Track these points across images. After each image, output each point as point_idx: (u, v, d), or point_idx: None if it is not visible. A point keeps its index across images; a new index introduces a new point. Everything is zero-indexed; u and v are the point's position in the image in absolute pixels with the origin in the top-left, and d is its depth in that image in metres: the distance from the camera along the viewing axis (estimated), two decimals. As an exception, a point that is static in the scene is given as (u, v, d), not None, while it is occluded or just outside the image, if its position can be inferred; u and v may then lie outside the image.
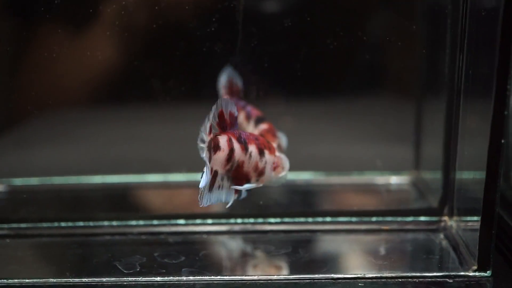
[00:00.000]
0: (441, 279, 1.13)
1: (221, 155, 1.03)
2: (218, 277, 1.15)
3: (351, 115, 1.47)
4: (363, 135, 1.48)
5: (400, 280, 1.14)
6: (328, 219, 1.34)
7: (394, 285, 1.13)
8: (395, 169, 1.50)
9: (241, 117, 1.27)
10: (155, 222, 1.35)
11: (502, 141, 1.07)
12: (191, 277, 1.15)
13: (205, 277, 1.15)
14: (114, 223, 1.35)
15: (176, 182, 1.51)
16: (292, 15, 1.35)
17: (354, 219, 1.34)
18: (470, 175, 1.21)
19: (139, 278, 1.15)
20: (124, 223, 1.35)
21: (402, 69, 1.43)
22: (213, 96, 1.39)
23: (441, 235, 1.29)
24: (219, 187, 1.06)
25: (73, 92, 1.45)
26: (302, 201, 1.45)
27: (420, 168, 1.48)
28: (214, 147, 1.03)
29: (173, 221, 1.35)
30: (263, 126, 1.25)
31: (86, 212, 1.42)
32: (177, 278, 1.15)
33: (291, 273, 1.18)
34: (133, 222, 1.35)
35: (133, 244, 1.30)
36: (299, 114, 1.45)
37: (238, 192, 1.08)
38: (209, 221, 1.35)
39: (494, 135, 1.07)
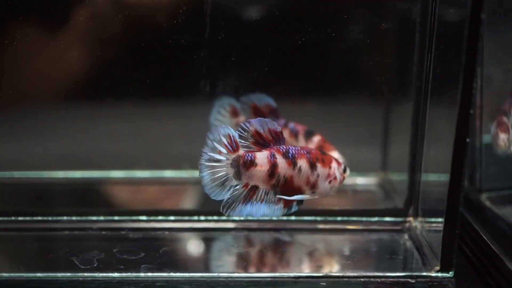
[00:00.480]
0: (403, 279, 1.12)
1: (259, 170, 1.09)
2: (178, 274, 1.12)
3: (320, 116, 1.46)
4: (331, 135, 1.45)
5: (362, 280, 1.12)
6: (293, 218, 1.33)
7: (356, 285, 1.11)
8: (363, 170, 1.49)
9: (286, 135, 1.27)
10: (116, 218, 1.32)
11: (467, 139, 1.06)
12: (149, 274, 1.12)
13: (164, 274, 1.12)
14: (74, 218, 1.31)
15: (140, 179, 1.49)
16: (259, 20, 1.34)
17: (319, 218, 1.33)
18: (435, 177, 1.21)
19: (96, 274, 1.12)
20: (84, 218, 1.31)
21: (371, 70, 1.42)
22: (179, 92, 1.39)
23: (406, 236, 1.28)
24: (262, 200, 1.10)
25: (37, 87, 1.42)
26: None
27: (387, 169, 1.48)
28: (244, 163, 1.08)
29: (134, 217, 1.32)
30: (317, 138, 1.30)
31: (45, 207, 1.38)
32: (135, 274, 1.12)
33: (253, 271, 1.16)
34: (94, 218, 1.32)
35: (92, 240, 1.27)
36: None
37: (287, 206, 1.11)
38: (172, 218, 1.33)
39: (460, 133, 1.06)
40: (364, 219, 1.33)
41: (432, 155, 1.22)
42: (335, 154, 1.29)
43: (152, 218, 1.32)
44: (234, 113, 1.33)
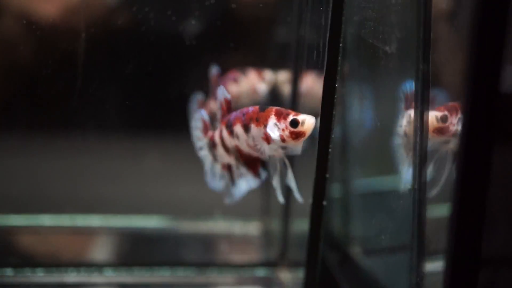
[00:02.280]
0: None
1: (219, 149, 1.04)
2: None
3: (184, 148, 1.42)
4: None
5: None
6: (166, 270, 1.29)
7: None
8: (244, 216, 1.46)
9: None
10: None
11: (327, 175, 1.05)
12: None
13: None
14: None
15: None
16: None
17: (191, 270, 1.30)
18: (303, 224, 1.18)
19: None
20: None
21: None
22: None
23: (276, 288, 1.27)
24: (238, 176, 1.04)
25: None
26: (134, 249, 1.40)
27: (269, 215, 1.46)
28: (213, 144, 1.05)
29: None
30: (252, 73, 1.29)
31: None
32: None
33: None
34: None
35: None
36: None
37: (257, 174, 1.03)
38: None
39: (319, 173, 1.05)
40: (233, 270, 1.30)
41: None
42: (267, 75, 1.30)
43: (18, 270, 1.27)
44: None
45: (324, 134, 1.04)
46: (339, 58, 1.02)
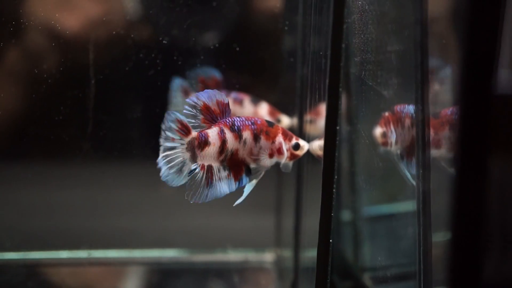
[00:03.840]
0: None
1: (212, 149, 1.05)
2: None
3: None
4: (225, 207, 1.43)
5: None
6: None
7: None
8: (258, 246, 1.47)
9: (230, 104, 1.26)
10: None
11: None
12: None
13: None
14: None
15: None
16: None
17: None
18: (312, 253, 1.18)
19: None
20: None
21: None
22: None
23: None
24: (219, 179, 1.06)
25: None
26: (150, 282, 1.41)
27: (282, 245, 1.46)
28: (200, 144, 1.05)
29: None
30: (265, 105, 1.29)
31: None
32: None
33: None
34: None
35: None
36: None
37: (237, 179, 1.06)
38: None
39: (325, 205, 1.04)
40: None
41: (308, 225, 1.21)
42: (284, 119, 1.30)
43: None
44: (186, 93, 1.30)
45: (329, 162, 1.05)
46: (339, 101, 1.04)
